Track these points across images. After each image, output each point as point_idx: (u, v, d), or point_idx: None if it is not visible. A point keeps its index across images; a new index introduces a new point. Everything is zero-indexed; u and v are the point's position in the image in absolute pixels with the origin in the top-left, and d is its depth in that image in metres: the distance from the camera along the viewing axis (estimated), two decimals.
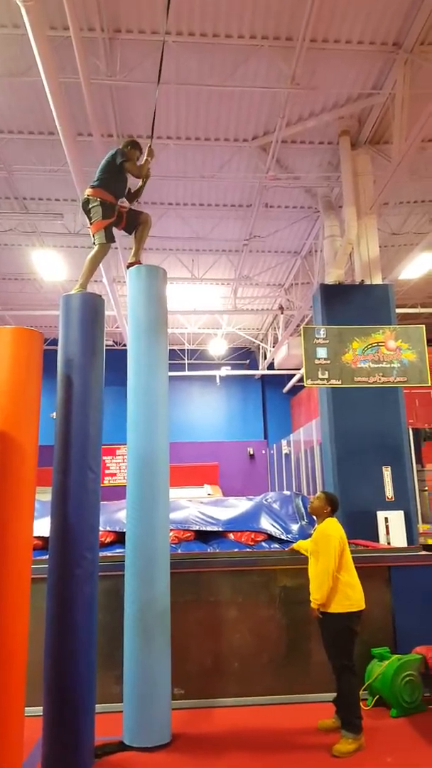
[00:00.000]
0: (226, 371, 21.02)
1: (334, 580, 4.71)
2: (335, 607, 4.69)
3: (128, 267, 5.65)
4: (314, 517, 6.92)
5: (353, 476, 8.88)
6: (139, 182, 5.95)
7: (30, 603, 3.90)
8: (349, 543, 5.01)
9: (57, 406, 4.78)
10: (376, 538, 8.44)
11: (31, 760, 4.38)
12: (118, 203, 5.69)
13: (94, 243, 5.54)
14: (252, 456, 21.33)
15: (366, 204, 9.89)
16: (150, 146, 5.91)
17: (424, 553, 6.12)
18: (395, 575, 5.88)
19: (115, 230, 5.81)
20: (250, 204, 11.87)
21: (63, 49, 7.54)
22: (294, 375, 19.90)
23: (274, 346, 18.63)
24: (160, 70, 5.99)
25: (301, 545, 5.66)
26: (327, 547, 4.75)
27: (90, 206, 5.54)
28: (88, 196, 5.57)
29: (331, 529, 4.87)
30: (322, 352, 8.28)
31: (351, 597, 4.71)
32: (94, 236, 5.54)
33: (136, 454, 5.07)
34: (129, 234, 5.97)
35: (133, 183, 5.92)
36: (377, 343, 8.35)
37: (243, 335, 20.08)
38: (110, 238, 5.56)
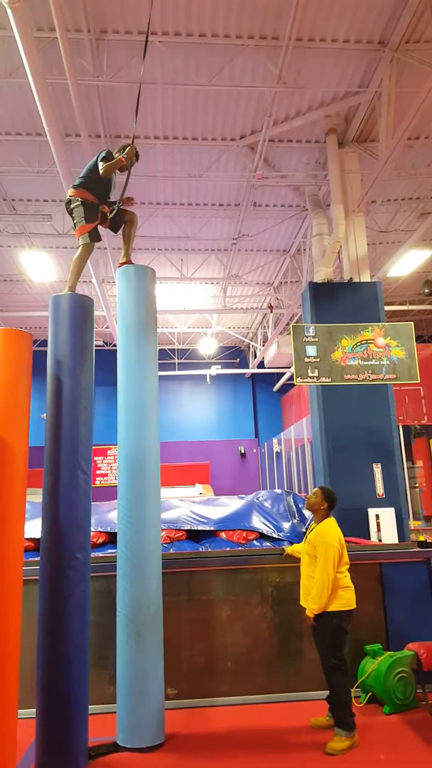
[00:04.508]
0: (216, 370, 21.02)
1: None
2: (327, 606, 4.69)
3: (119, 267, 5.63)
4: (306, 515, 7.00)
5: (344, 474, 8.90)
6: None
7: (22, 605, 3.90)
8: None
9: (47, 407, 4.77)
10: (368, 536, 8.48)
11: (25, 763, 4.37)
12: (101, 204, 5.60)
13: (79, 244, 5.51)
14: (243, 455, 21.34)
15: (354, 202, 9.93)
16: (130, 146, 5.61)
17: (416, 549, 6.14)
18: (387, 572, 5.90)
19: (102, 229, 5.78)
20: (238, 203, 11.88)
21: (50, 50, 7.55)
22: (284, 373, 19.94)
23: (263, 345, 18.65)
24: (144, 54, 5.90)
25: (295, 549, 5.58)
26: (326, 556, 4.69)
27: (72, 206, 5.49)
28: (69, 196, 5.53)
29: (330, 535, 4.78)
30: (311, 351, 8.28)
31: (343, 596, 4.71)
32: (78, 238, 5.51)
33: (127, 454, 5.07)
34: (114, 232, 5.94)
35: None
36: (366, 340, 8.37)
37: (233, 334, 20.10)
38: (94, 238, 5.51)
